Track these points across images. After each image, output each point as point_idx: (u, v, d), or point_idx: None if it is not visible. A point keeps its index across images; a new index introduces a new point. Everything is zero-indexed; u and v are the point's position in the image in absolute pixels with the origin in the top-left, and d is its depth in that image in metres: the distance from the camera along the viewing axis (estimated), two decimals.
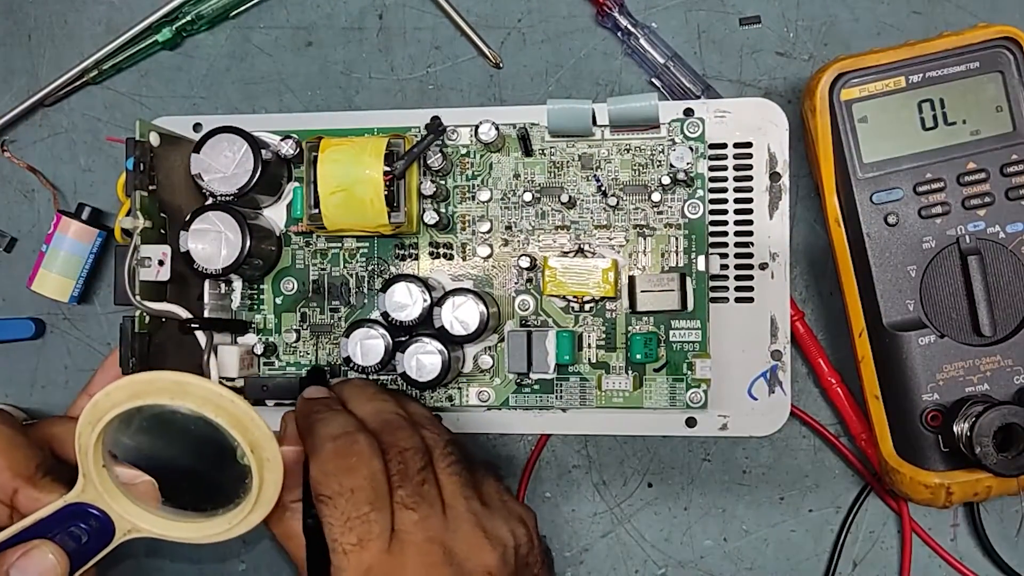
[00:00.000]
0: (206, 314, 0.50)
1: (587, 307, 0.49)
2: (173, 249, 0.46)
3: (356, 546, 0.39)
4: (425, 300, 0.47)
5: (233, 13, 0.57)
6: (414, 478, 0.41)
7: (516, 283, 0.50)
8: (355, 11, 0.56)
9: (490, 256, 0.50)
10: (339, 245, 0.51)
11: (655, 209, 0.49)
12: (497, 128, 0.48)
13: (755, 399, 0.49)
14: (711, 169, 0.49)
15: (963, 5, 0.52)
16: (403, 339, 0.48)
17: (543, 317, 0.50)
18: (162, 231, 0.47)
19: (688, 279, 0.48)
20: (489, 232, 0.50)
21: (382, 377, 0.50)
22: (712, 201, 0.49)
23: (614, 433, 0.52)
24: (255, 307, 0.51)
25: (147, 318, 0.46)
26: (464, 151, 0.50)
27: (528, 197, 0.49)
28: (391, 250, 0.51)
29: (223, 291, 0.51)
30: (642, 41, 0.53)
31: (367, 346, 0.47)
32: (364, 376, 0.49)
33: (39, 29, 0.59)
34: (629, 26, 0.53)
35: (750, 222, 0.49)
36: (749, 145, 0.49)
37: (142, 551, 0.56)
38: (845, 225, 0.48)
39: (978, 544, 0.51)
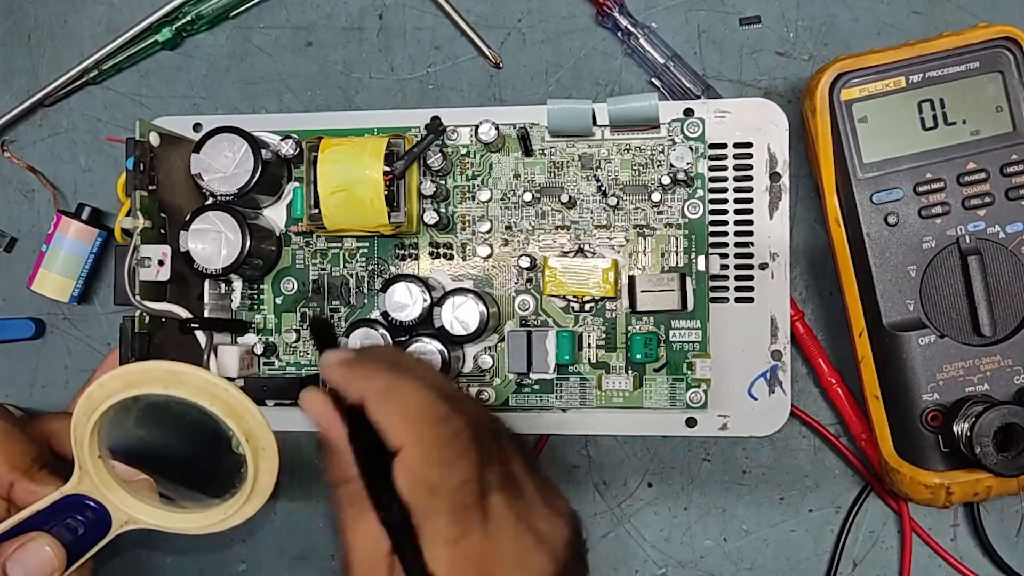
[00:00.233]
0: (206, 314, 0.50)
1: (587, 307, 0.49)
2: (173, 249, 0.46)
3: (460, 536, 0.35)
4: (425, 300, 0.47)
5: (233, 13, 0.57)
6: (495, 455, 0.37)
7: (516, 283, 0.50)
8: (355, 11, 0.56)
9: (490, 256, 0.50)
10: (339, 245, 0.51)
11: (655, 209, 0.49)
12: (497, 128, 0.48)
13: (755, 399, 0.49)
14: (711, 169, 0.49)
15: (963, 5, 0.52)
16: (403, 339, 0.48)
17: (543, 317, 0.50)
18: (162, 231, 0.47)
19: (688, 279, 0.48)
20: (489, 232, 0.50)
21: None
22: (712, 201, 0.49)
23: (614, 433, 0.52)
24: (255, 307, 0.51)
25: (147, 318, 0.46)
26: (464, 151, 0.50)
27: (528, 197, 0.49)
28: (391, 250, 0.51)
29: (223, 291, 0.51)
30: (642, 41, 0.53)
31: (367, 346, 0.47)
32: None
33: (39, 29, 0.59)
34: (629, 26, 0.53)
35: (750, 222, 0.49)
36: (749, 145, 0.49)
37: (141, 547, 0.56)
38: (845, 225, 0.48)
39: (978, 544, 0.51)
